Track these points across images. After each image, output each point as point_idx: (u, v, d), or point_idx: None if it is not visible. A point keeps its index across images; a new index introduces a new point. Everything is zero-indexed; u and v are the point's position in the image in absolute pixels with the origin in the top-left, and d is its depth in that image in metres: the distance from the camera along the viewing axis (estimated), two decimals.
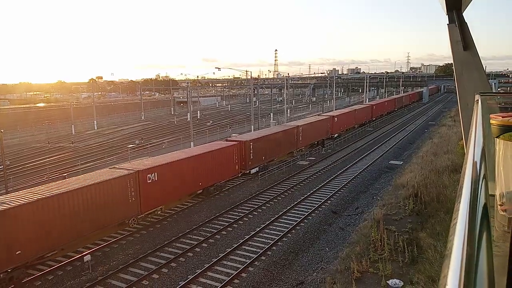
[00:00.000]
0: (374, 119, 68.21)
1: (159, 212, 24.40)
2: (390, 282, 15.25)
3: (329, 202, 26.99)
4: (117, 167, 23.74)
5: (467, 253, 0.80)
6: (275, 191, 29.74)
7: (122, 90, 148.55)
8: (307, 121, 45.15)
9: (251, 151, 32.44)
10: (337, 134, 50.80)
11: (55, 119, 73.92)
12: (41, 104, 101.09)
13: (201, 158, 27.25)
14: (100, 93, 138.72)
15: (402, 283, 15.12)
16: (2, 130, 27.32)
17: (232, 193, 29.54)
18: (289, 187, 30.60)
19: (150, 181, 22.90)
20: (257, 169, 33.58)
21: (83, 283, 17.17)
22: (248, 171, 32.72)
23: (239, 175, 32.37)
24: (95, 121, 67.44)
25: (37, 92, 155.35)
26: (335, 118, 50.33)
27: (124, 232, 22.23)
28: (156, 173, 23.27)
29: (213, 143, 32.93)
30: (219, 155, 28.98)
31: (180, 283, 16.83)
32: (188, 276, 17.37)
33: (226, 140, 33.34)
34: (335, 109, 66.99)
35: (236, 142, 31.56)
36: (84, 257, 18.46)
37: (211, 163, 27.93)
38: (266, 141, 34.86)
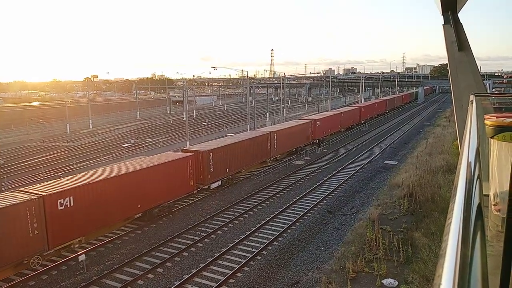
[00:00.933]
0: (362, 122, 64.56)
1: (77, 246, 19.81)
2: (385, 281, 15.31)
3: (324, 201, 27.06)
4: (17, 191, 18.87)
5: (462, 253, 0.80)
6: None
7: (117, 89, 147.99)
8: (284, 126, 41.32)
9: (211, 163, 28.21)
10: (319, 139, 46.83)
11: (50, 117, 73.55)
12: (36, 103, 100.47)
13: (141, 175, 22.57)
14: (95, 92, 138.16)
15: (397, 283, 15.19)
16: None
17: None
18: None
19: (62, 207, 18.32)
20: (218, 183, 29.51)
21: (78, 283, 17.08)
22: (207, 186, 28.49)
23: (195, 192, 27.71)
24: (90, 120, 67.13)
25: (32, 91, 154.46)
26: (318, 122, 46.21)
27: (119, 232, 22.14)
28: (71, 197, 18.72)
29: (163, 155, 27.61)
30: (167, 170, 24.47)
31: (175, 282, 16.79)
32: (184, 276, 17.34)
33: (182, 151, 28.94)
34: (330, 109, 66.81)
35: (191, 154, 27.15)
36: (79, 257, 18.36)
37: (155, 180, 23.42)
38: (231, 151, 30.65)
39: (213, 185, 29.17)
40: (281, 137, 38.18)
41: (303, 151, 42.46)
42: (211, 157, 28.25)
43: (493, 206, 3.12)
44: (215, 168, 28.83)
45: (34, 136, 58.74)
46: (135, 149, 46.07)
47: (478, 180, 1.43)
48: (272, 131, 37.05)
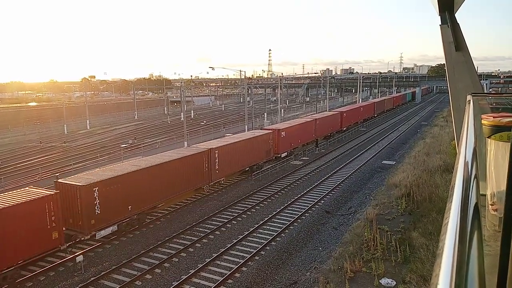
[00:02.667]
0: (344, 129, 55.70)
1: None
2: (382, 281, 15.34)
3: (322, 202, 27.08)
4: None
5: (459, 252, 0.80)
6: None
7: (115, 90, 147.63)
8: (233, 140, 32.36)
9: (97, 202, 19.57)
10: (285, 153, 38.93)
11: (47, 118, 73.28)
12: (33, 104, 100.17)
13: None
14: (92, 92, 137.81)
15: (394, 283, 15.22)
16: None
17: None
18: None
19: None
20: (113, 228, 20.93)
21: (76, 284, 17.03)
22: (92, 233, 19.83)
23: (62, 247, 18.68)
24: (87, 121, 66.97)
25: (29, 91, 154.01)
26: (282, 133, 37.80)
27: (117, 233, 22.07)
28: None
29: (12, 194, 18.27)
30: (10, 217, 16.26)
31: (173, 283, 16.77)
32: (182, 277, 17.32)
33: (56, 182, 20.15)
34: (328, 109, 66.75)
35: (53, 193, 18.18)
36: (76, 258, 18.31)
37: None
38: (139, 177, 22.08)
39: (104, 232, 20.43)
40: (226, 155, 29.94)
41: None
42: (96, 193, 19.57)
43: (490, 206, 3.14)
44: (107, 207, 20.07)
45: (31, 136, 58.55)
46: (133, 149, 45.99)
47: (475, 180, 1.44)
48: (211, 148, 28.46)
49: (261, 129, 39.62)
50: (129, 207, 21.70)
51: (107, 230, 20.60)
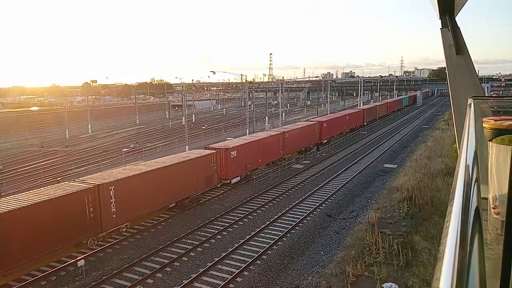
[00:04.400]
0: (324, 141, 47.58)
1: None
2: (385, 285, 15.27)
3: (323, 205, 27.03)
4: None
5: (460, 256, 0.80)
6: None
7: (116, 94, 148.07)
8: (150, 167, 23.97)
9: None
10: (237, 178, 31.45)
11: (49, 123, 73.46)
12: (35, 108, 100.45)
13: None
14: (94, 96, 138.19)
15: (397, 287, 15.15)
16: None
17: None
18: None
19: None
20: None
21: None
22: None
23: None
24: (89, 125, 67.12)
25: (31, 96, 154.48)
26: (232, 152, 30.16)
27: (119, 237, 22.07)
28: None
29: None
30: None
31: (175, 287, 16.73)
32: (183, 281, 17.27)
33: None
34: (329, 113, 66.68)
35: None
36: (78, 262, 18.29)
37: None
38: (37, 219, 17.44)
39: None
40: (127, 192, 21.70)
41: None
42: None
43: (492, 209, 3.13)
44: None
45: (33, 141, 58.67)
46: (135, 153, 46.04)
47: (476, 183, 1.44)
48: (103, 183, 20.55)
49: (205, 148, 31.33)
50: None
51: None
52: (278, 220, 24.26)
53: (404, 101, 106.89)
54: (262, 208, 26.61)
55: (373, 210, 23.94)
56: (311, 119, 51.83)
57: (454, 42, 6.79)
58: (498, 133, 3.06)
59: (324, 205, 27.01)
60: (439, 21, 7.00)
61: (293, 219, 24.40)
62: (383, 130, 64.27)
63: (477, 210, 1.19)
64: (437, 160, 34.21)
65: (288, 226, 23.06)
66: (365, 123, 65.55)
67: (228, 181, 30.64)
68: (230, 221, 24.26)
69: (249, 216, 25.13)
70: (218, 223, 24.16)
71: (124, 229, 22.47)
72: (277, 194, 29.47)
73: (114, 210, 21.24)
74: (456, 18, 6.91)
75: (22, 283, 17.19)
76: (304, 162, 40.62)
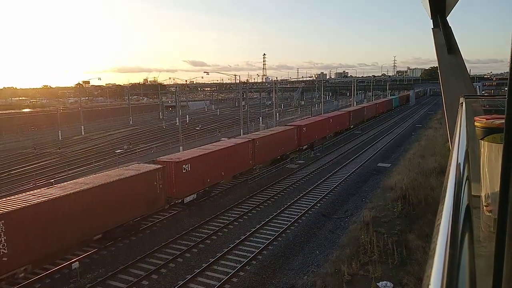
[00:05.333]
0: (304, 147, 43.42)
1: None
2: (380, 284, 15.35)
3: (318, 205, 27.09)
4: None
5: (450, 253, 0.81)
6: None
7: (109, 95, 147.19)
8: (91, 183, 20.20)
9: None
10: (192, 196, 26.56)
11: (42, 124, 72.86)
12: (27, 110, 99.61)
13: None
14: (87, 98, 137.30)
15: (392, 285, 15.23)
16: None
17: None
18: None
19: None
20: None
21: None
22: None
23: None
24: (82, 126, 66.67)
25: (23, 97, 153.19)
26: (185, 166, 25.44)
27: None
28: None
29: None
30: None
31: None
32: (179, 282, 17.23)
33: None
34: (323, 113, 66.66)
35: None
36: (72, 264, 18.17)
37: None
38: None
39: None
40: (27, 226, 16.65)
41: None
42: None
43: (484, 207, 3.16)
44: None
45: (25, 143, 58.16)
46: (128, 155, 45.81)
47: (467, 181, 1.46)
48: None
49: (154, 161, 27.00)
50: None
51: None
52: (273, 220, 24.22)
53: (394, 101, 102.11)
54: (257, 208, 26.56)
55: (367, 209, 24.04)
56: (290, 124, 47.17)
57: (446, 41, 6.85)
58: (489, 131, 3.08)
59: (318, 205, 27.05)
60: (431, 21, 7.06)
61: (288, 219, 24.39)
62: (377, 129, 64.56)
63: (468, 208, 1.21)
64: (430, 159, 34.42)
65: (283, 226, 23.03)
66: (351, 126, 61.46)
67: (180, 201, 25.89)
68: (225, 221, 24.11)
69: (244, 217, 25.05)
70: (213, 223, 24.00)
71: (22, 274, 17.10)
72: (272, 194, 29.42)
73: (5, 252, 15.71)
74: (448, 18, 6.97)
75: (16, 286, 17.03)
76: (299, 162, 40.65)
